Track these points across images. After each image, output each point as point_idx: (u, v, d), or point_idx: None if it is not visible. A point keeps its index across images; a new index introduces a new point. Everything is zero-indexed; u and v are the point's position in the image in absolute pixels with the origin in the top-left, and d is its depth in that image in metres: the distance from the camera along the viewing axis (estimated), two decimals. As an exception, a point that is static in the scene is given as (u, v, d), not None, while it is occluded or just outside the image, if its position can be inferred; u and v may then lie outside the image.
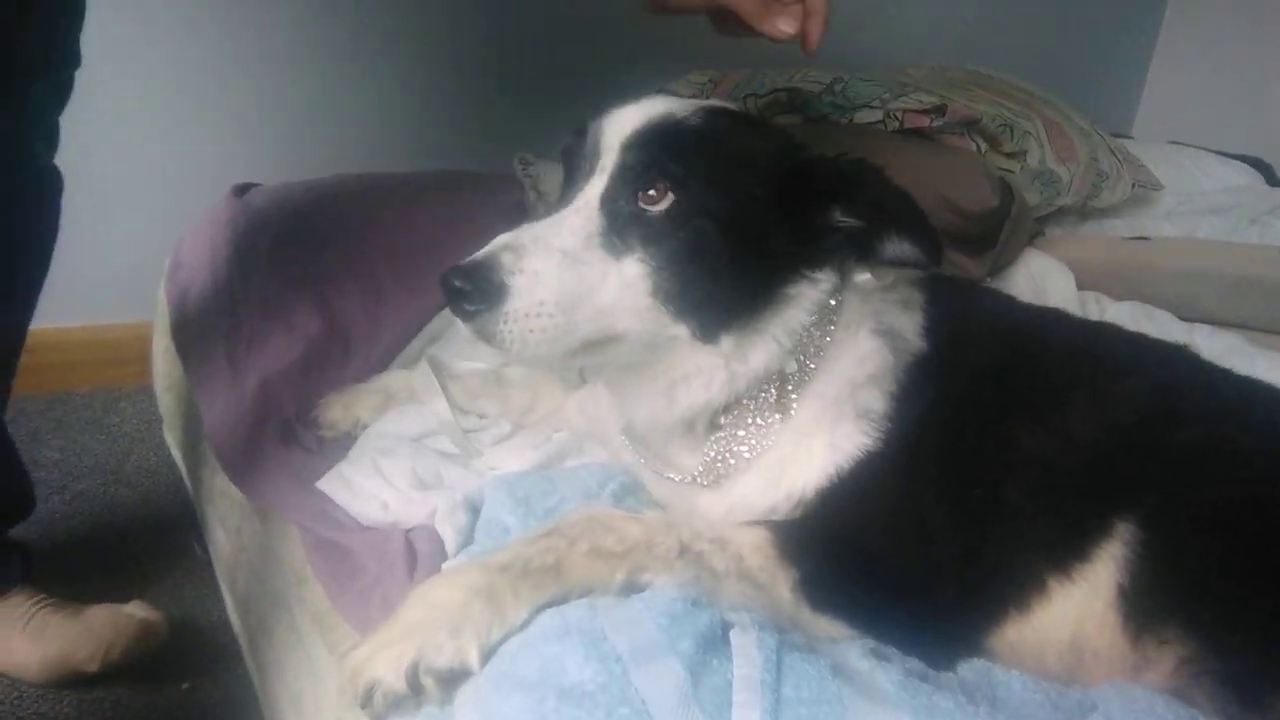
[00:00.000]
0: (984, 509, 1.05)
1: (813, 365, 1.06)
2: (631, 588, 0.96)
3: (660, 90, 2.41)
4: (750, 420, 1.07)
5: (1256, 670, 0.91)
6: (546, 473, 1.23)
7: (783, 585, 0.99)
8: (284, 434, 1.42)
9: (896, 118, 1.92)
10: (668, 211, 0.97)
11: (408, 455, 1.28)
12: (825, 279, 1.05)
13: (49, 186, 1.61)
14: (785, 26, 1.09)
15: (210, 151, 2.58)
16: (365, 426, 1.40)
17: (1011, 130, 2.03)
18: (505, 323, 0.92)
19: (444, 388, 1.40)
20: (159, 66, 2.49)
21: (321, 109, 2.65)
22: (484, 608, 0.88)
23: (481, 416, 1.44)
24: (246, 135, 2.60)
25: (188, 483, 1.88)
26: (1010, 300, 1.32)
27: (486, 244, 0.96)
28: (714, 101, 1.12)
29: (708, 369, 1.04)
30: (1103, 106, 3.60)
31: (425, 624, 0.87)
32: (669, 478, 1.14)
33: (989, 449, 1.07)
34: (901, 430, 1.05)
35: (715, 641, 0.88)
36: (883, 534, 1.02)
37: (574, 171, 1.05)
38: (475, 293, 0.91)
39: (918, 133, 1.92)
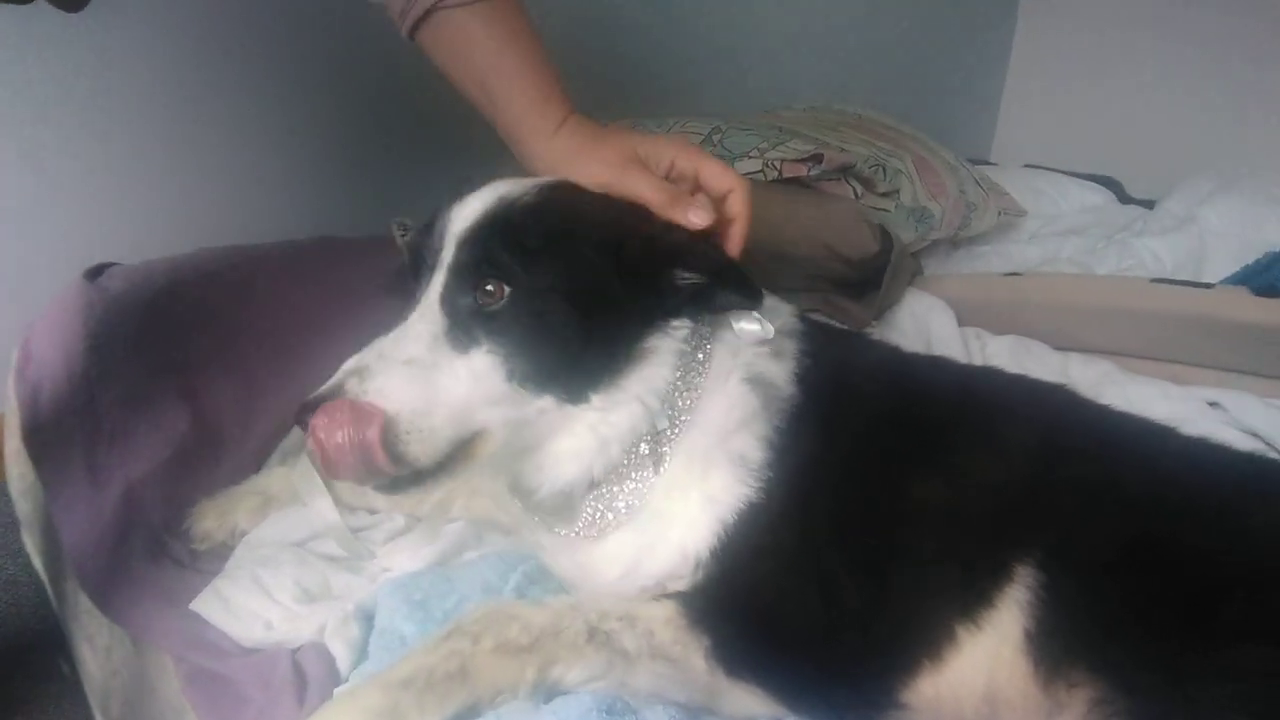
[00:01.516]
0: (882, 559, 1.05)
1: (684, 419, 1.06)
2: (544, 686, 0.92)
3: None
4: (625, 476, 1.07)
5: (1167, 707, 0.92)
6: (444, 570, 1.18)
7: (696, 655, 0.97)
8: (152, 547, 1.31)
9: (775, 167, 1.95)
10: (507, 303, 0.98)
11: (291, 564, 1.20)
12: (681, 327, 1.07)
13: None
14: (695, 219, 1.10)
15: (59, 229, 2.40)
16: (243, 534, 1.31)
17: (884, 170, 2.09)
18: (405, 441, 0.91)
19: (328, 484, 1.32)
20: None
21: (182, 177, 2.50)
22: None
23: (372, 512, 1.37)
24: (99, 209, 2.42)
25: (51, 595, 1.72)
26: (894, 349, 1.35)
27: (350, 344, 0.98)
28: (554, 178, 1.13)
29: (577, 433, 1.03)
30: (962, 134, 3.78)
31: None
32: (556, 532, 1.12)
33: (882, 498, 1.08)
34: (785, 480, 1.05)
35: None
36: (783, 590, 1.02)
37: (419, 266, 1.05)
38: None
39: (797, 181, 1.95)
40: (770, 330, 1.10)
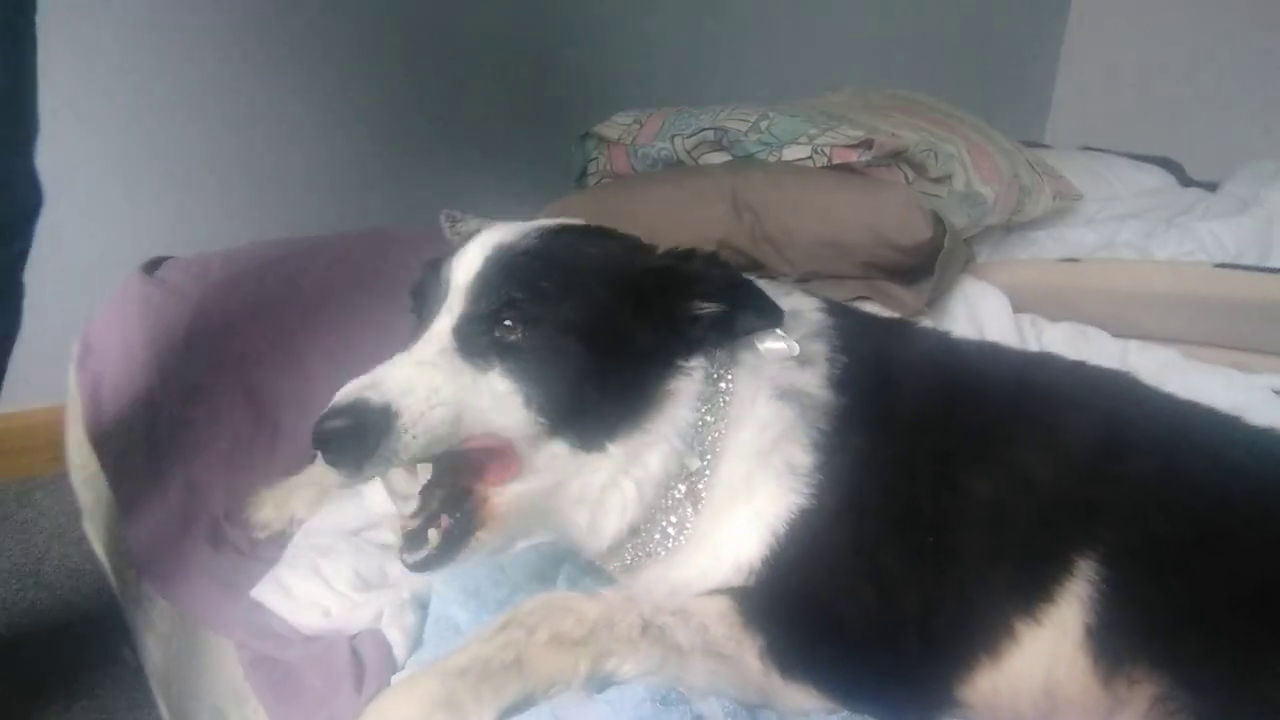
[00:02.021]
0: (940, 557, 1.03)
1: (717, 449, 1.04)
2: (597, 679, 0.92)
3: (586, 134, 2.39)
4: (663, 517, 1.05)
5: (1231, 704, 0.90)
6: (496, 559, 1.17)
7: (750, 653, 0.96)
8: (213, 536, 1.34)
9: (824, 153, 1.92)
10: (524, 338, 0.97)
11: (348, 553, 1.21)
12: (697, 366, 1.05)
13: None
14: None
15: (120, 223, 2.46)
16: (301, 523, 1.33)
17: (936, 155, 2.04)
18: (408, 433, 0.89)
19: (382, 474, 1.33)
20: (61, 134, 2.36)
21: (238, 172, 2.55)
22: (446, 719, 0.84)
23: None
24: (157, 203, 2.48)
25: (113, 582, 1.77)
26: (941, 336, 1.32)
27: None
28: (552, 221, 1.11)
29: (612, 485, 1.02)
30: (1016, 116, 3.69)
31: None
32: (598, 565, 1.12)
33: (938, 495, 1.06)
34: (835, 482, 1.04)
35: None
36: (839, 590, 1.01)
37: (424, 313, 1.04)
38: (363, 429, 0.89)
39: (847, 167, 1.92)
40: (796, 349, 1.07)
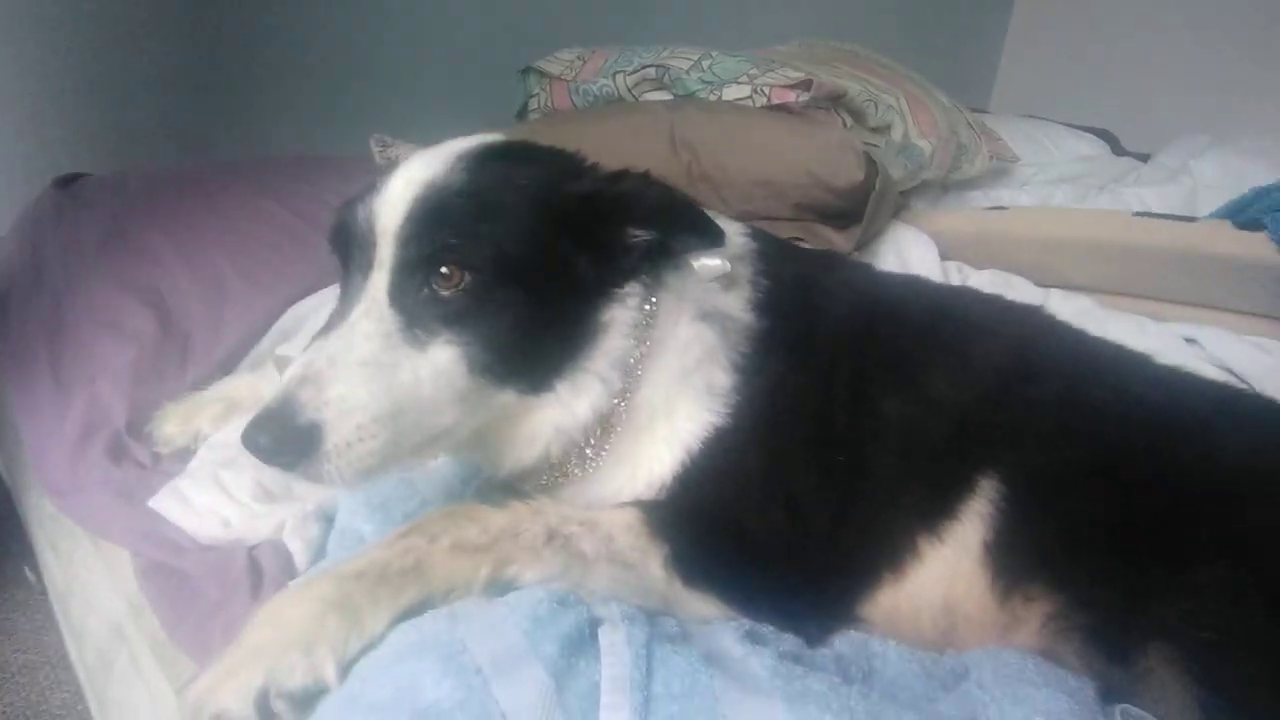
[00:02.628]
0: (850, 474, 1.04)
1: (639, 373, 1.02)
2: (498, 584, 0.91)
3: (528, 69, 2.34)
4: (584, 441, 1.03)
5: (1122, 623, 0.92)
6: (406, 475, 1.15)
7: (654, 562, 0.96)
8: (114, 449, 1.29)
9: (764, 93, 1.91)
10: (466, 288, 0.90)
11: (252, 466, 1.17)
12: (633, 293, 1.02)
13: None
14: None
15: (32, 140, 2.34)
16: (206, 438, 1.29)
17: (876, 105, 2.05)
18: (329, 462, 0.83)
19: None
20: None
21: (157, 91, 2.44)
22: (339, 620, 0.82)
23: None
24: (72, 121, 2.37)
25: (17, 505, 1.71)
26: (866, 268, 1.32)
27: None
28: (477, 139, 1.03)
29: (536, 426, 0.99)
30: (961, 82, 3.72)
31: (274, 644, 0.80)
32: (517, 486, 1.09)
33: (852, 415, 1.07)
34: (752, 402, 1.03)
35: (583, 642, 0.84)
36: (749, 506, 1.01)
37: (349, 260, 0.95)
38: (286, 446, 0.82)
39: (784, 109, 1.92)
40: (728, 266, 1.05)
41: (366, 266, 0.92)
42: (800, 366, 1.07)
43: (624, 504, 1.01)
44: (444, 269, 0.89)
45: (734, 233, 1.15)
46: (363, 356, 0.86)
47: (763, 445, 1.03)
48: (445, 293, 0.89)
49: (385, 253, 0.91)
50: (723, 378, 1.04)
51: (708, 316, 1.06)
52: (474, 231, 0.91)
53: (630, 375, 1.02)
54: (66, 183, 1.91)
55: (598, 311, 1.00)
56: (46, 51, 2.29)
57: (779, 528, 1.01)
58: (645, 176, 1.04)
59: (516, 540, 0.92)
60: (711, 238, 1.02)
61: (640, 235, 1.00)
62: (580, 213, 0.98)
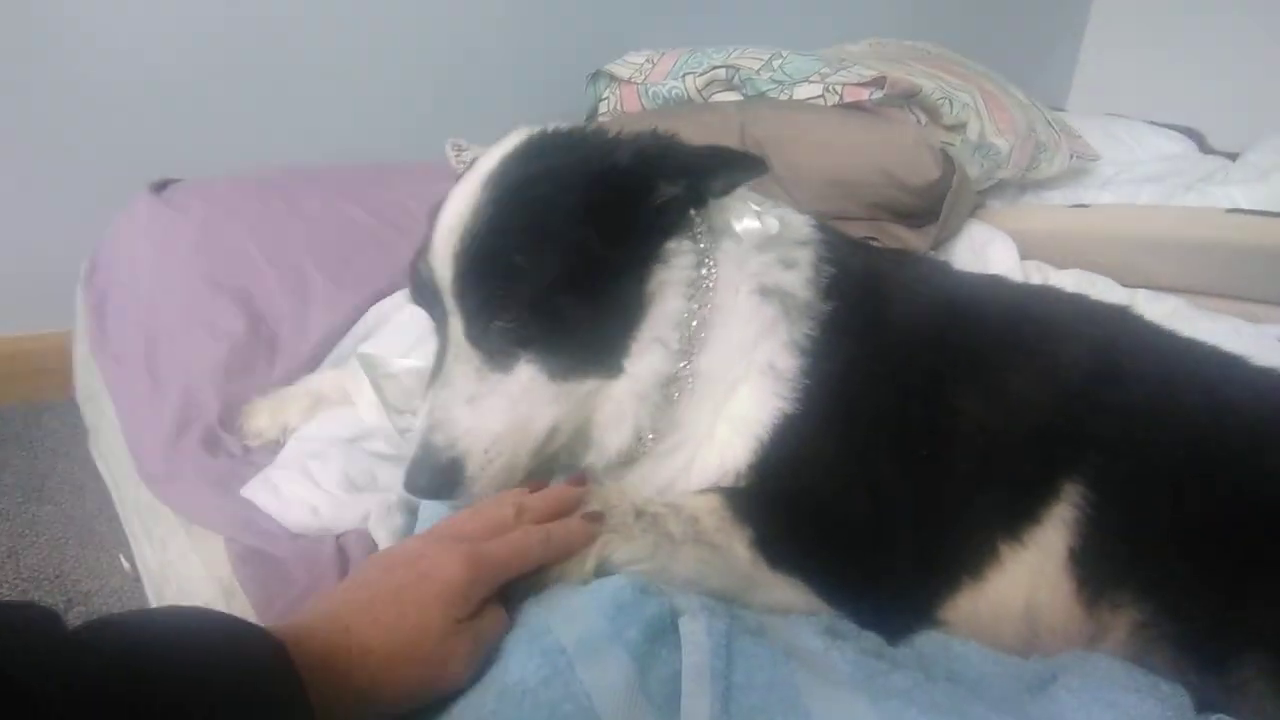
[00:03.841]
0: (931, 472, 1.03)
1: (699, 340, 1.04)
2: (601, 569, 0.92)
3: (597, 73, 2.37)
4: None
5: (1213, 633, 0.89)
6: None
7: (739, 543, 0.97)
8: (208, 441, 1.34)
9: (836, 91, 1.90)
10: (524, 318, 0.98)
11: (339, 457, 1.22)
12: (679, 251, 1.04)
13: None
14: None
15: (130, 146, 2.46)
16: (294, 431, 1.33)
17: (951, 103, 2.01)
18: (475, 484, 0.97)
19: (377, 386, 1.34)
20: (69, 55, 2.35)
21: (247, 101, 2.55)
22: None
23: (417, 414, 1.38)
24: (167, 129, 2.48)
25: (114, 495, 1.79)
26: (942, 264, 1.30)
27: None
28: (500, 151, 1.06)
29: (619, 401, 1.03)
30: (1038, 80, 3.64)
31: None
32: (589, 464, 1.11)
33: (931, 412, 1.05)
34: (822, 388, 1.03)
35: (664, 630, 0.85)
36: (830, 493, 1.01)
37: (431, 310, 1.06)
38: (439, 482, 0.97)
39: (857, 107, 1.90)
40: (774, 226, 1.08)
41: (444, 314, 1.02)
42: (872, 355, 1.06)
43: (704, 490, 1.02)
44: (499, 309, 0.98)
45: (798, 221, 1.16)
46: (468, 394, 0.99)
47: (838, 433, 1.02)
48: (509, 324, 0.98)
49: (450, 304, 1.00)
50: (788, 360, 1.04)
51: (767, 292, 1.06)
52: (514, 270, 0.97)
53: (693, 337, 1.04)
54: (160, 188, 2.00)
55: (645, 281, 1.02)
56: (131, 62, 2.40)
57: (863, 515, 1.00)
58: (657, 133, 1.06)
59: (609, 515, 0.94)
60: (750, 167, 1.03)
61: (669, 192, 1.02)
62: (604, 195, 1.00)
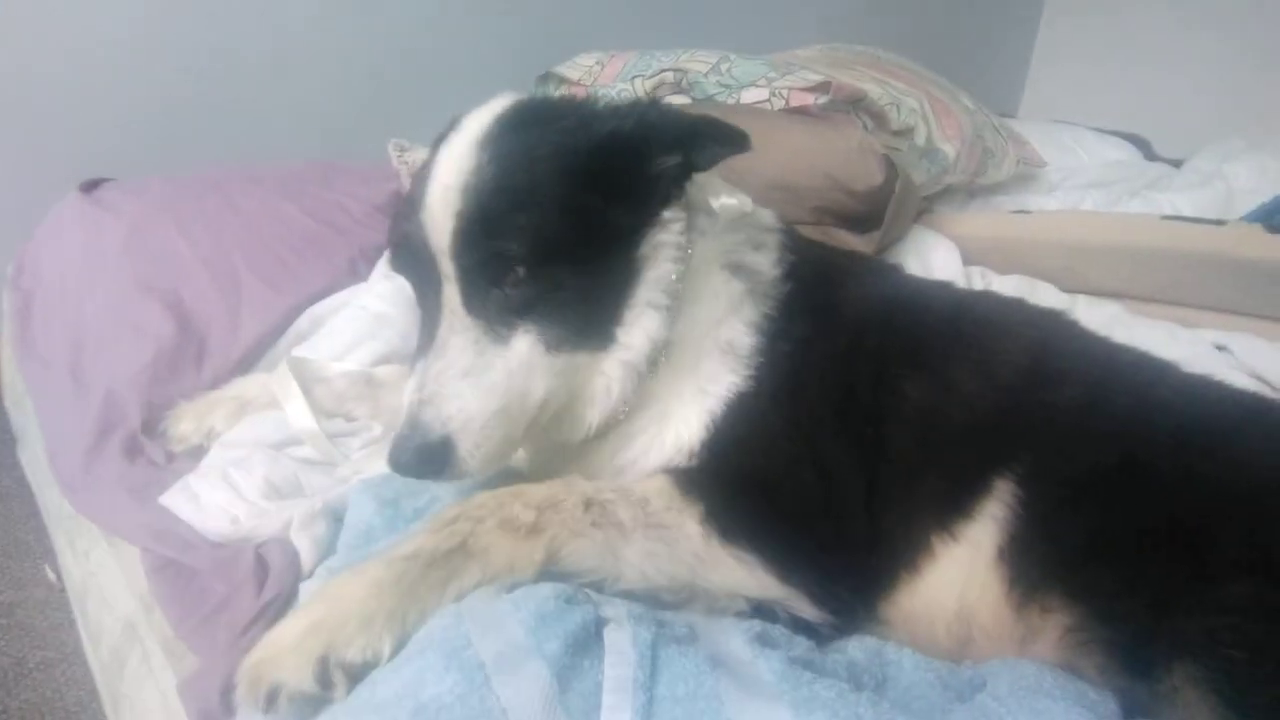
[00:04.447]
0: (874, 453, 1.04)
1: (676, 308, 1.05)
2: (552, 564, 0.92)
3: (546, 74, 2.35)
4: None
5: (1143, 640, 0.89)
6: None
7: (690, 520, 0.97)
8: (129, 447, 1.30)
9: (782, 95, 1.89)
10: (525, 280, 0.96)
11: (262, 464, 1.18)
12: (672, 216, 1.05)
13: None
14: None
15: (60, 145, 2.38)
16: (219, 436, 1.29)
17: (898, 108, 2.02)
18: (465, 465, 0.93)
19: (306, 390, 1.30)
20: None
21: (183, 100, 2.48)
22: (396, 599, 0.84)
23: (350, 420, 1.35)
24: (99, 128, 2.40)
25: (40, 504, 1.73)
26: (887, 264, 1.33)
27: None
28: (490, 111, 1.05)
29: (607, 372, 1.03)
30: (989, 87, 3.68)
31: (332, 618, 0.82)
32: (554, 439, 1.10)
33: (876, 394, 1.07)
34: (775, 365, 1.04)
35: (588, 641, 0.83)
36: (779, 467, 1.01)
37: (418, 279, 1.02)
38: (428, 462, 0.92)
39: (803, 112, 1.90)
40: (748, 203, 1.10)
41: (436, 282, 0.97)
42: (824, 334, 1.08)
43: (653, 474, 1.02)
44: (501, 271, 0.95)
45: (764, 212, 1.19)
46: (463, 368, 0.94)
47: (788, 410, 1.03)
48: (509, 290, 0.95)
49: (447, 268, 0.96)
50: (746, 339, 1.05)
51: (737, 269, 1.08)
52: (516, 227, 0.95)
53: (674, 304, 1.04)
54: (90, 188, 1.94)
55: (639, 245, 1.03)
56: (64, 60, 2.32)
57: (813, 489, 1.00)
58: (655, 103, 1.08)
59: (558, 511, 0.93)
60: (737, 141, 1.03)
61: (665, 162, 1.03)
62: (605, 160, 1.00)
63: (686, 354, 1.04)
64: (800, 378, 1.04)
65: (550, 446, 1.11)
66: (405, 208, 1.01)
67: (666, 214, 1.05)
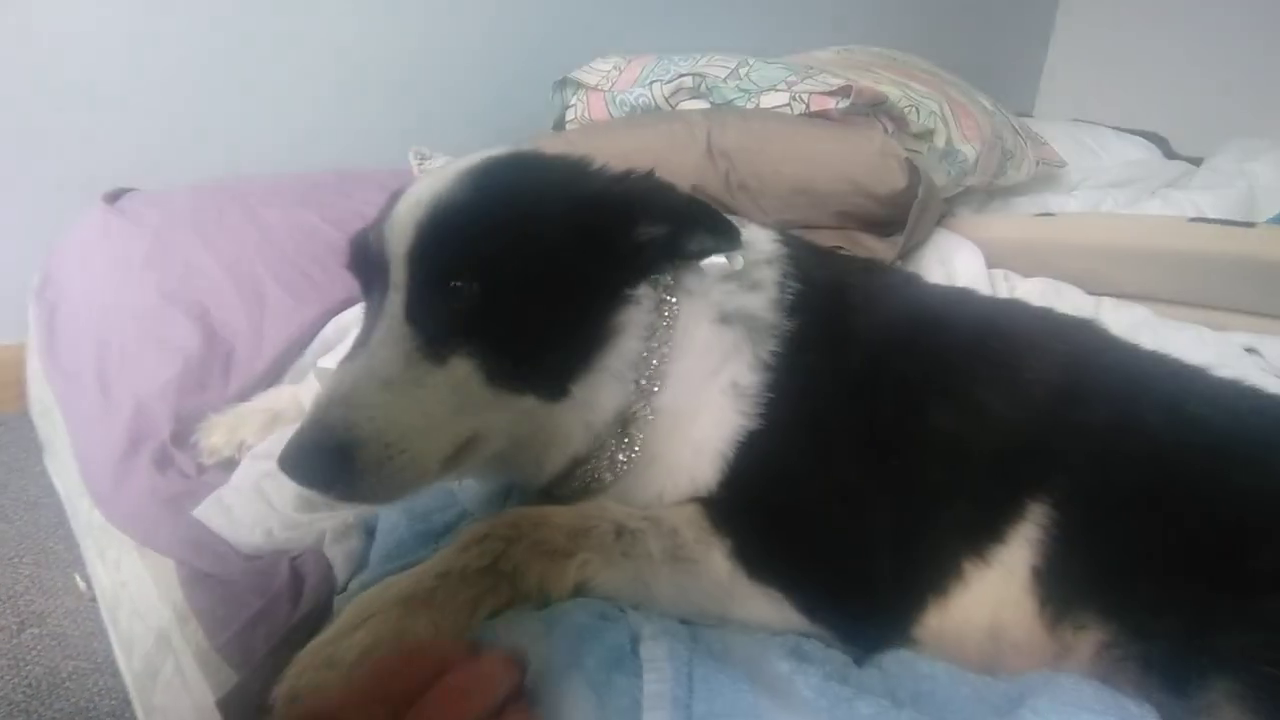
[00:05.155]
0: (900, 483, 1.01)
1: (660, 375, 1.01)
2: (582, 590, 0.90)
3: (564, 80, 2.35)
4: (613, 445, 1.02)
5: (1180, 654, 0.87)
6: (447, 486, 1.15)
7: (719, 554, 0.95)
8: (159, 460, 1.31)
9: (803, 100, 1.89)
10: (479, 300, 0.91)
11: (294, 477, 1.18)
12: (646, 295, 1.01)
13: None
14: None
15: (85, 156, 2.40)
16: (250, 449, 1.30)
17: (918, 110, 2.01)
18: (362, 480, 0.83)
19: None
20: (20, 59, 2.28)
21: (206, 110, 2.49)
22: (428, 615, 0.83)
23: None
24: (124, 138, 2.42)
25: (69, 513, 1.74)
26: (909, 276, 1.29)
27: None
28: (482, 155, 1.03)
29: (564, 424, 0.99)
30: (1005, 87, 3.66)
31: (366, 637, 0.81)
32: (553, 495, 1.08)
33: (900, 422, 1.03)
34: (787, 400, 1.01)
35: (623, 657, 0.83)
36: (803, 503, 0.99)
37: (368, 285, 0.97)
38: (319, 469, 0.83)
39: (824, 116, 1.89)
40: (739, 263, 1.03)
41: (383, 289, 0.93)
42: (838, 366, 1.04)
43: (684, 502, 1.00)
44: (454, 284, 0.90)
45: (763, 238, 1.14)
46: (387, 376, 0.87)
47: (806, 444, 1.00)
48: (458, 306, 0.90)
49: (398, 275, 0.92)
50: (751, 377, 1.01)
51: (729, 318, 1.04)
52: (480, 245, 0.92)
53: (653, 377, 1.00)
54: (114, 198, 1.95)
55: (610, 314, 0.99)
56: (85, 71, 2.34)
57: (839, 524, 0.98)
58: (650, 175, 1.03)
59: (589, 537, 0.91)
60: (727, 237, 1.01)
61: (650, 232, 0.99)
62: (587, 215, 0.97)
63: (681, 408, 1.01)
64: (817, 410, 1.01)
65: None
66: (376, 217, 0.98)
67: (641, 290, 1.01)
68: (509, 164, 1.03)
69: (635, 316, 1.00)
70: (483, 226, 0.93)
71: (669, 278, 1.03)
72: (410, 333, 0.90)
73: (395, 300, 0.91)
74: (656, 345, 1.00)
